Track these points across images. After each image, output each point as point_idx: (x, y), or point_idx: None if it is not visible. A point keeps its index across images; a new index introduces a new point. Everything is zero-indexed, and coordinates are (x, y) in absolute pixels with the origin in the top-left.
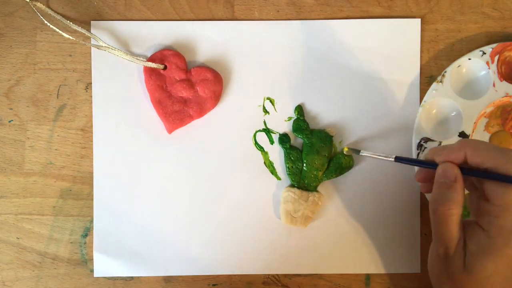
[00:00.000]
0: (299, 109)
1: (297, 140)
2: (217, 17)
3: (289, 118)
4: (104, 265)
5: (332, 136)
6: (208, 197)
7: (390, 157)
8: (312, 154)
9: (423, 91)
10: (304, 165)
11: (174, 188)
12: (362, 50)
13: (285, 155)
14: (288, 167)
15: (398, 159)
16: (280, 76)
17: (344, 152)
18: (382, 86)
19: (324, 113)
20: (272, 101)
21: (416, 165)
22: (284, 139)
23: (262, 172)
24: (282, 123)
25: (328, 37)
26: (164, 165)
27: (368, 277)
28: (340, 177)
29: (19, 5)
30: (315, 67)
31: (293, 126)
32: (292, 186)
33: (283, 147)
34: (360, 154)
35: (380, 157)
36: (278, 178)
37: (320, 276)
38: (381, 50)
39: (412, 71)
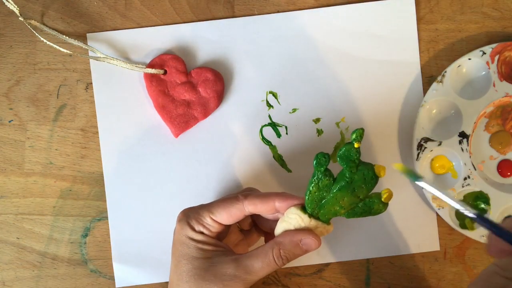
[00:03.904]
0: (358, 134)
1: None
2: (217, 17)
3: (294, 110)
4: (125, 274)
5: (378, 179)
6: (221, 196)
7: (469, 212)
8: (345, 191)
9: (423, 91)
10: (330, 197)
11: (186, 191)
12: (359, 34)
13: (314, 177)
14: (311, 191)
15: (481, 219)
16: (281, 69)
17: (395, 168)
18: (385, 72)
19: (328, 102)
20: (274, 95)
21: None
22: (322, 161)
23: (272, 166)
24: (287, 115)
25: (324, 25)
26: (174, 170)
27: (368, 277)
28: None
29: (19, 5)
30: (314, 56)
31: (342, 151)
32: (302, 209)
33: (317, 169)
34: (418, 183)
35: (452, 202)
36: (289, 171)
37: (320, 276)
38: (378, 33)
39: (414, 55)
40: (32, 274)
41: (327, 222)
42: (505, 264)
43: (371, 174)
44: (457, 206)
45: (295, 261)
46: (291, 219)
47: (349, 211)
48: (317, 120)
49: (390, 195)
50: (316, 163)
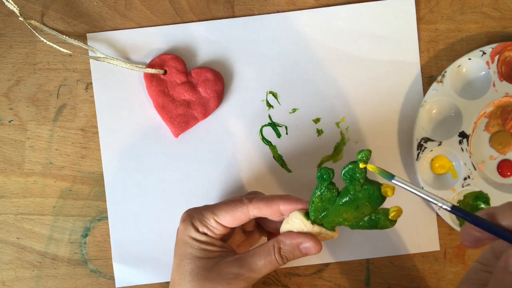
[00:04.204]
0: (364, 155)
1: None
2: (217, 17)
3: (294, 110)
4: (125, 274)
5: (385, 199)
6: (221, 196)
7: (443, 204)
8: (348, 206)
9: (423, 91)
10: (334, 211)
11: (186, 191)
12: (359, 34)
13: (317, 189)
14: (314, 202)
15: (458, 210)
16: (281, 69)
17: (368, 169)
18: (385, 72)
19: (328, 102)
20: (275, 95)
21: (486, 230)
22: (325, 176)
23: (272, 166)
24: (287, 115)
25: (324, 25)
26: (174, 170)
27: (368, 277)
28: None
29: (19, 5)
30: (314, 56)
31: (346, 169)
32: (306, 215)
33: (320, 183)
34: (393, 182)
35: (426, 196)
36: (289, 171)
37: (320, 276)
38: (378, 33)
39: (414, 55)
40: (32, 274)
41: (331, 229)
42: (486, 260)
43: (377, 194)
44: (431, 199)
45: (295, 261)
46: (294, 222)
47: (354, 223)
48: (317, 120)
49: (398, 213)
50: (319, 177)
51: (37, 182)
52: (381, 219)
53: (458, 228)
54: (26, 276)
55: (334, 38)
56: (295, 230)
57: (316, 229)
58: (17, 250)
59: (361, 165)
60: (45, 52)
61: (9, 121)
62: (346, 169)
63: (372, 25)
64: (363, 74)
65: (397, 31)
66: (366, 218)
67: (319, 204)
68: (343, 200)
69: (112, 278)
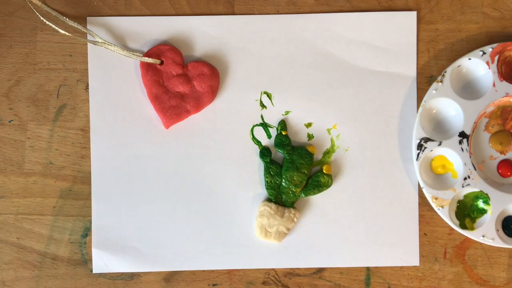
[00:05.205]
0: (282, 124)
1: (278, 155)
2: None
3: (287, 112)
4: (103, 262)
5: (313, 154)
6: (206, 192)
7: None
8: (291, 170)
9: (423, 91)
10: (283, 180)
11: (172, 183)
12: (358, 43)
13: (264, 169)
14: (267, 181)
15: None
16: (277, 70)
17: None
18: (381, 84)
19: (321, 108)
20: (269, 95)
21: None
22: (265, 152)
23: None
24: (279, 117)
25: (324, 31)
26: (161, 161)
27: (368, 277)
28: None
29: (19, 5)
30: (312, 61)
31: (275, 140)
32: (269, 200)
33: (263, 160)
34: None
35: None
36: None
37: (320, 276)
38: (377, 43)
39: (411, 70)
40: (32, 274)
41: (291, 206)
42: None
43: (304, 151)
44: None
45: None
46: (263, 212)
47: (304, 189)
48: (308, 125)
49: (329, 168)
50: (261, 156)
51: (37, 182)
52: (319, 176)
53: (458, 228)
54: (26, 276)
55: (333, 44)
56: (265, 218)
57: (280, 209)
58: (17, 250)
59: (284, 133)
60: (45, 52)
61: (9, 121)
62: (275, 141)
63: (371, 34)
64: (359, 82)
65: (396, 43)
66: (310, 180)
67: (271, 181)
68: (286, 167)
69: (112, 278)
